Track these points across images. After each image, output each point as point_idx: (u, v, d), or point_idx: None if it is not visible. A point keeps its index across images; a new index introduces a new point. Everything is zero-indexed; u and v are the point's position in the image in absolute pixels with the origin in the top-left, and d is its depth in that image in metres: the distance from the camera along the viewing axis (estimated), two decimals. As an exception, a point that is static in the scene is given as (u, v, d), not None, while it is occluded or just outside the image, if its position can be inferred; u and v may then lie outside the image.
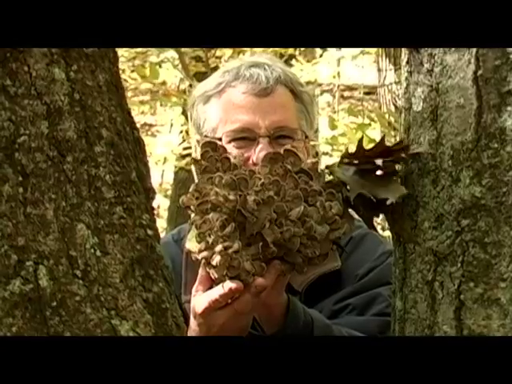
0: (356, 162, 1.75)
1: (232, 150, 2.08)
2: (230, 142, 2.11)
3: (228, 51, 6.77)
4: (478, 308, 1.60)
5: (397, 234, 1.75)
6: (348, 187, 1.75)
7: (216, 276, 1.63)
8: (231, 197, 1.63)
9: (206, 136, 2.18)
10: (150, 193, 1.33)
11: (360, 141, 1.76)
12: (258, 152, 2.08)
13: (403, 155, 1.70)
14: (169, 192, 9.52)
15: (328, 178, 1.77)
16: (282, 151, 1.73)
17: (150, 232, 1.31)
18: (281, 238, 1.67)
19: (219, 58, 6.89)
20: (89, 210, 1.25)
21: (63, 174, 1.23)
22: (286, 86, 2.13)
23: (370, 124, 7.89)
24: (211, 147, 1.73)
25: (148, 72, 7.09)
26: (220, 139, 2.11)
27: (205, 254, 1.62)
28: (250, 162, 2.08)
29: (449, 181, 1.63)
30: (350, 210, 1.76)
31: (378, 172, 1.74)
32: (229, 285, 1.62)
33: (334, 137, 7.07)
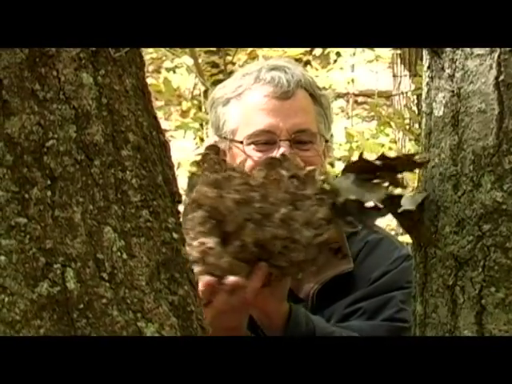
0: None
1: (252, 152, 2.09)
2: (250, 144, 2.12)
3: (243, 56, 6.76)
4: (499, 313, 1.60)
5: (416, 238, 1.75)
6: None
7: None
8: (210, 194, 1.64)
9: (225, 138, 2.18)
10: (175, 196, 1.33)
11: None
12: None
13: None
14: (183, 198, 9.53)
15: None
16: (279, 156, 1.74)
17: (175, 235, 1.31)
18: (261, 238, 1.67)
19: (234, 63, 6.90)
20: (115, 213, 1.25)
21: (91, 178, 1.24)
22: (306, 89, 2.14)
23: (387, 125, 7.88)
24: (214, 150, 1.75)
25: (163, 87, 7.10)
26: (241, 142, 2.12)
27: (186, 249, 1.63)
28: None
29: (470, 186, 1.63)
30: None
31: (376, 180, 1.75)
32: (202, 280, 1.63)
33: (350, 148, 7.06)
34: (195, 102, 7.36)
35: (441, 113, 1.68)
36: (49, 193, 1.21)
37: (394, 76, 8.93)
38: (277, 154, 2.07)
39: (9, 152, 1.19)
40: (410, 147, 6.63)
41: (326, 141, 2.22)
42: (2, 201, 1.19)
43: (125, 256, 1.26)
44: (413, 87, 8.14)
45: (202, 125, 6.65)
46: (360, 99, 10.02)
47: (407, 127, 7.75)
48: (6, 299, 1.19)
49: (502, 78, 1.60)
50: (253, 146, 2.12)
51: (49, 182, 1.21)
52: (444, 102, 1.68)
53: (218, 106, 2.21)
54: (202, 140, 6.75)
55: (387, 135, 6.88)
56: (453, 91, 1.66)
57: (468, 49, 1.64)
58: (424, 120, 1.75)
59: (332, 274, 2.13)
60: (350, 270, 2.16)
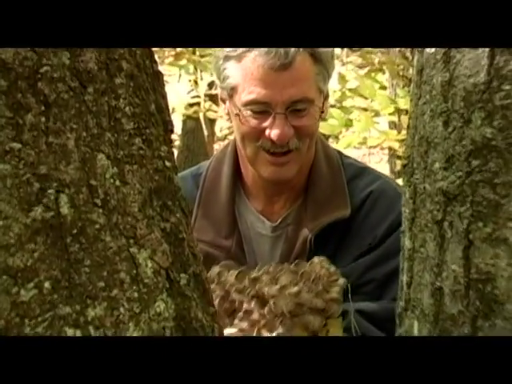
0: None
1: (249, 118, 2.10)
2: (247, 109, 2.12)
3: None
4: (486, 247, 1.62)
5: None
6: None
7: None
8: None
9: (224, 88, 2.20)
10: (168, 125, 1.34)
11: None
12: (274, 129, 2.09)
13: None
14: (177, 143, 9.44)
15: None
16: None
17: (168, 163, 1.33)
18: None
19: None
20: (109, 140, 1.26)
21: (84, 105, 1.24)
22: (305, 50, 2.12)
23: (378, 72, 7.87)
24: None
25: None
26: (242, 105, 2.13)
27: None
28: (266, 133, 2.09)
29: (460, 122, 1.64)
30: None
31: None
32: None
33: (343, 93, 7.03)
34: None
35: (433, 49, 1.69)
36: (43, 119, 1.22)
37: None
38: (271, 125, 2.08)
39: (3, 77, 1.20)
40: (399, 92, 6.62)
41: (326, 97, 2.22)
42: (-4, 126, 1.20)
43: (118, 183, 1.27)
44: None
45: (195, 68, 6.61)
46: (354, 48, 9.98)
47: (400, 73, 7.74)
48: (1, 223, 1.20)
49: (493, 15, 1.62)
50: (249, 112, 2.12)
51: (43, 108, 1.22)
52: (436, 38, 1.69)
53: (220, 60, 2.20)
54: (196, 83, 6.70)
55: (377, 82, 6.86)
56: (445, 28, 1.67)
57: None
58: (416, 57, 1.76)
59: (327, 221, 2.14)
60: (346, 216, 2.17)
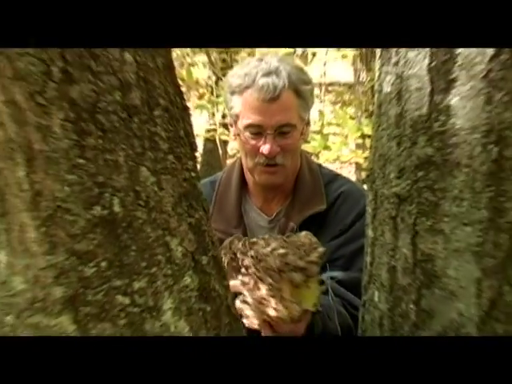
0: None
1: (248, 138, 2.11)
2: (246, 131, 2.12)
3: (245, 54, 6.75)
4: (427, 236, 1.61)
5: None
6: None
7: None
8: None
9: (231, 116, 2.19)
10: (193, 146, 1.34)
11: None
12: (265, 145, 2.09)
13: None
14: (199, 159, 9.48)
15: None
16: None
17: (193, 174, 1.32)
18: None
19: (237, 60, 6.87)
20: (149, 157, 1.26)
21: (131, 131, 1.24)
22: (290, 88, 2.11)
23: (349, 105, 7.89)
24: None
25: (185, 74, 7.09)
26: (243, 128, 2.13)
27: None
28: (260, 150, 2.10)
29: (409, 143, 1.64)
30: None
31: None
32: None
33: (322, 124, 7.02)
34: (209, 88, 7.34)
35: (388, 90, 1.69)
36: (100, 141, 1.21)
37: (355, 70, 8.89)
38: (264, 142, 2.08)
39: (71, 111, 1.19)
40: (364, 121, 6.65)
41: (307, 123, 2.22)
42: (66, 147, 1.19)
43: (156, 188, 1.26)
44: (368, 79, 8.15)
45: (213, 105, 6.66)
46: (330, 88, 9.97)
47: (363, 108, 7.76)
48: (71, 218, 1.20)
49: (432, 64, 1.61)
50: (248, 133, 2.13)
51: (100, 133, 1.21)
52: (391, 82, 1.68)
53: (228, 93, 2.20)
54: (213, 115, 6.72)
55: (347, 113, 6.89)
56: (397, 74, 1.67)
57: (409, 42, 1.65)
58: (376, 95, 1.75)
59: (308, 214, 2.14)
60: (322, 209, 2.17)
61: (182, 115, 1.32)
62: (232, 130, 2.31)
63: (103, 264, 1.22)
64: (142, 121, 1.25)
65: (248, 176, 2.25)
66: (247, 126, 2.13)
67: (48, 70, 1.18)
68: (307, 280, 1.77)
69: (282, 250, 1.73)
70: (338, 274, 2.07)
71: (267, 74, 2.11)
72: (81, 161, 1.20)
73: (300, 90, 2.15)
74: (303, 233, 1.83)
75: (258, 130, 2.12)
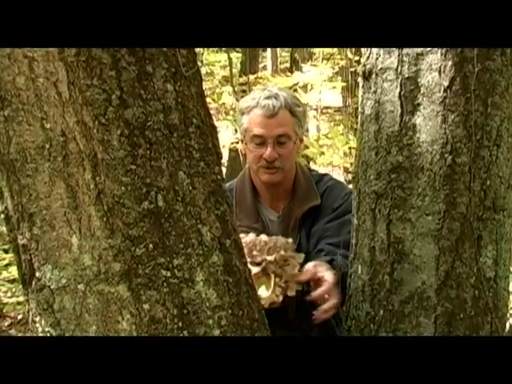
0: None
1: (253, 148, 2.09)
2: (252, 142, 2.10)
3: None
4: (399, 223, 1.60)
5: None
6: None
7: None
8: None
9: (241, 133, 2.16)
10: (219, 155, 1.31)
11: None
12: (267, 151, 2.06)
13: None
14: (225, 164, 9.47)
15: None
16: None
17: (219, 177, 1.29)
18: None
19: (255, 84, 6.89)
20: (185, 163, 1.23)
21: (171, 144, 1.21)
22: (286, 108, 2.08)
23: (339, 125, 7.89)
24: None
25: (216, 97, 7.13)
26: (249, 140, 2.10)
27: None
28: (263, 157, 2.07)
29: (384, 153, 1.62)
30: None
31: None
32: None
33: (318, 136, 7.01)
34: (232, 111, 7.38)
35: (369, 112, 1.66)
36: (148, 152, 1.19)
37: (343, 97, 8.87)
38: (266, 149, 2.06)
39: (126, 128, 1.17)
40: (350, 137, 6.64)
41: (301, 140, 2.19)
42: (122, 156, 1.17)
43: (190, 188, 1.23)
44: (352, 104, 8.16)
45: (235, 121, 6.70)
46: (324, 110, 9.97)
47: (350, 125, 7.76)
48: (125, 211, 1.18)
49: (402, 93, 1.58)
50: (253, 144, 2.10)
51: (148, 146, 1.19)
52: (370, 106, 1.65)
53: (239, 114, 2.18)
54: (235, 131, 6.73)
55: (338, 130, 6.88)
56: (375, 100, 1.63)
57: (384, 75, 1.60)
58: (359, 116, 1.72)
59: (308, 206, 2.11)
60: (318, 203, 2.13)
61: (210, 131, 1.28)
62: (242, 143, 2.27)
63: (150, 246, 1.20)
64: (180, 136, 1.22)
65: (256, 181, 2.21)
66: (253, 137, 2.10)
67: (108, 97, 1.16)
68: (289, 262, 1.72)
69: (282, 253, 1.70)
70: (331, 240, 2.03)
71: (268, 97, 2.10)
72: (133, 167, 1.18)
73: (293, 110, 2.12)
74: (284, 240, 1.78)
75: (261, 140, 2.09)
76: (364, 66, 1.67)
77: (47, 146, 1.17)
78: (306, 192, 2.14)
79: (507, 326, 1.71)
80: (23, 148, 1.19)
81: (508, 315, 1.76)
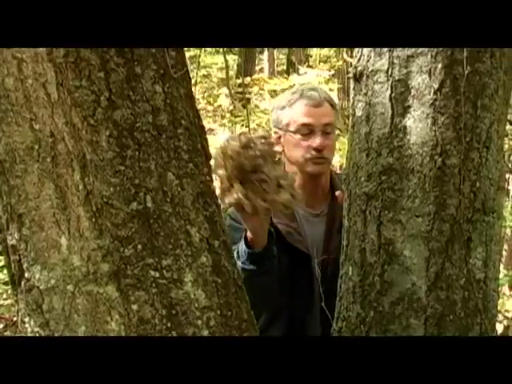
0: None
1: (299, 140, 2.08)
2: (297, 133, 2.10)
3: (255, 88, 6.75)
4: (389, 225, 1.60)
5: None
6: None
7: None
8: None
9: (281, 128, 2.14)
10: (208, 156, 1.31)
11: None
12: (317, 140, 2.06)
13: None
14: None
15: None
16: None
17: (208, 178, 1.29)
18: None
19: (251, 93, 6.88)
20: (174, 165, 1.23)
21: (160, 145, 1.21)
22: (327, 101, 2.12)
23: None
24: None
25: (212, 100, 7.13)
26: (294, 132, 2.10)
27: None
28: (311, 146, 2.07)
29: (375, 155, 1.63)
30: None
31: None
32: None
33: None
34: (228, 114, 7.36)
35: (359, 114, 1.67)
36: (136, 153, 1.19)
37: (339, 100, 8.90)
38: (314, 140, 2.06)
39: (115, 129, 1.18)
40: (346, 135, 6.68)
41: (339, 130, 2.23)
42: (111, 157, 1.17)
43: (179, 189, 1.23)
44: (349, 106, 8.19)
45: (232, 125, 6.65)
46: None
47: (346, 126, 7.79)
48: (113, 211, 1.18)
49: (393, 95, 1.59)
50: (299, 136, 2.10)
51: (136, 147, 1.19)
52: (361, 107, 1.66)
53: (278, 110, 2.17)
54: (232, 132, 6.72)
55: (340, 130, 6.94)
56: (366, 102, 1.64)
57: (375, 77, 1.61)
58: (351, 118, 1.73)
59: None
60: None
61: (199, 133, 1.29)
62: (279, 143, 2.22)
63: (139, 246, 1.20)
64: (169, 137, 1.22)
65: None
66: (300, 127, 2.09)
67: (97, 98, 1.17)
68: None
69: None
70: None
71: (311, 89, 2.14)
72: (122, 168, 1.18)
73: (333, 103, 2.17)
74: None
75: (309, 130, 2.08)
76: (355, 68, 1.68)
77: (36, 146, 1.18)
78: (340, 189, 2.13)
79: (497, 327, 1.71)
80: (12, 149, 1.19)
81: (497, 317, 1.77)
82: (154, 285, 1.20)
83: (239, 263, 1.68)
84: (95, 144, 1.17)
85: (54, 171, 1.18)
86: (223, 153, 1.55)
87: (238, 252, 1.75)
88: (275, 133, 2.16)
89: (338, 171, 2.39)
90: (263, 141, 1.58)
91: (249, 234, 1.75)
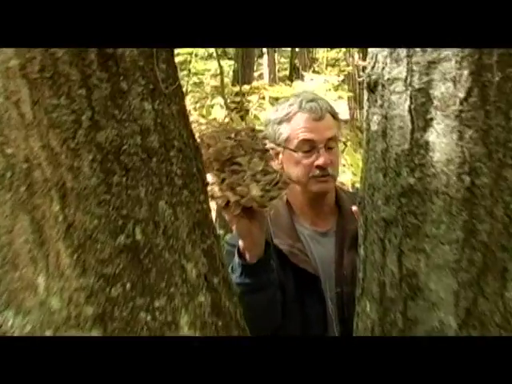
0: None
1: (301, 157, 2.10)
2: (299, 150, 2.12)
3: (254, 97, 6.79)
4: (411, 255, 1.60)
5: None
6: None
7: None
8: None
9: (279, 144, 2.17)
10: (204, 181, 1.32)
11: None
12: (320, 157, 2.09)
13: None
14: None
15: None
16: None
17: (204, 206, 1.30)
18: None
19: (249, 101, 6.92)
20: (166, 192, 1.23)
21: (150, 169, 1.22)
22: (329, 112, 2.14)
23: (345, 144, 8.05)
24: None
25: (205, 113, 7.19)
26: (294, 150, 2.12)
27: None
28: (315, 163, 2.09)
29: (394, 174, 1.62)
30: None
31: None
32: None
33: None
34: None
35: (375, 128, 1.67)
36: (124, 179, 1.20)
37: (350, 109, 8.95)
38: (317, 156, 2.08)
39: (98, 153, 1.18)
40: (359, 151, 6.76)
41: (340, 140, 2.25)
42: (95, 184, 1.18)
43: (172, 219, 1.24)
44: (361, 116, 8.25)
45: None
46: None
47: (358, 142, 7.85)
48: (99, 246, 1.19)
49: (413, 106, 1.59)
50: (301, 153, 2.11)
51: (123, 172, 1.20)
52: (377, 121, 1.66)
53: (274, 124, 2.19)
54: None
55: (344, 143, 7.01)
56: (382, 115, 1.65)
57: (392, 86, 1.62)
58: (365, 133, 1.73)
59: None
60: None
61: (194, 155, 1.30)
62: (278, 160, 2.26)
63: (128, 285, 1.20)
64: (160, 160, 1.23)
65: (295, 197, 2.21)
66: (301, 144, 2.12)
67: (78, 118, 1.18)
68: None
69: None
70: None
71: (310, 100, 2.15)
72: (107, 196, 1.19)
73: (334, 113, 2.19)
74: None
75: (310, 146, 2.11)
76: (369, 76, 1.69)
77: (8, 174, 1.18)
78: (349, 206, 2.15)
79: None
80: (-19, 177, 1.20)
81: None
82: (145, 329, 1.20)
83: (233, 277, 1.70)
84: (76, 170, 1.17)
85: (29, 202, 1.19)
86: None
87: (232, 267, 1.77)
88: (272, 149, 2.17)
89: (350, 190, 2.42)
90: (249, 133, 1.62)
91: (241, 243, 1.76)
